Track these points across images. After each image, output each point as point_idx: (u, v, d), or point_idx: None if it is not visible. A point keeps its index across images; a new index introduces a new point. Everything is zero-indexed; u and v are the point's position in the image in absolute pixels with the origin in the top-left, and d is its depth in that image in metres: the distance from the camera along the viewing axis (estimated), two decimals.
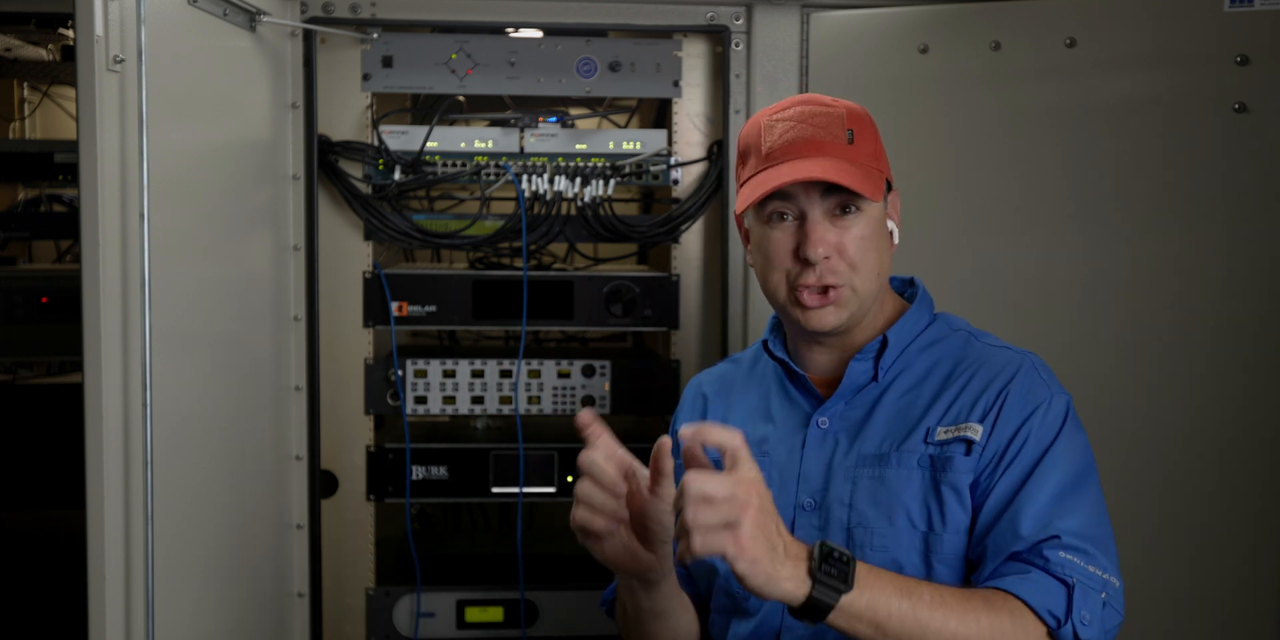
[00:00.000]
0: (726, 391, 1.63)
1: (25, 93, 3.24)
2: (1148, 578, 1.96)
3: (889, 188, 1.49)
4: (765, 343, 1.57)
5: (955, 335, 1.51)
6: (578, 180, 2.20)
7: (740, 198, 1.47)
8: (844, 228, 1.42)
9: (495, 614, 2.27)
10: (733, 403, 1.60)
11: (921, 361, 1.49)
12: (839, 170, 1.40)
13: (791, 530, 1.41)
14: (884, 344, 1.47)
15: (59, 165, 2.60)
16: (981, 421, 1.40)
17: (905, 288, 1.58)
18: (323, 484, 2.22)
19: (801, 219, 1.43)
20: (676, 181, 2.24)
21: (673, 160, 2.23)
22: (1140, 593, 1.97)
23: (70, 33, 2.76)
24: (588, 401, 2.27)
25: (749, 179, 1.47)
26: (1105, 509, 1.41)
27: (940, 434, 1.41)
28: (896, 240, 1.50)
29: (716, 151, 2.23)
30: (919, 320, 1.52)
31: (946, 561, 1.39)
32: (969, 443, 1.39)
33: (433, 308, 2.23)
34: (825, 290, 1.42)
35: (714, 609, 1.54)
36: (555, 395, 2.27)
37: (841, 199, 1.42)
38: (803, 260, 1.42)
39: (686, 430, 1.21)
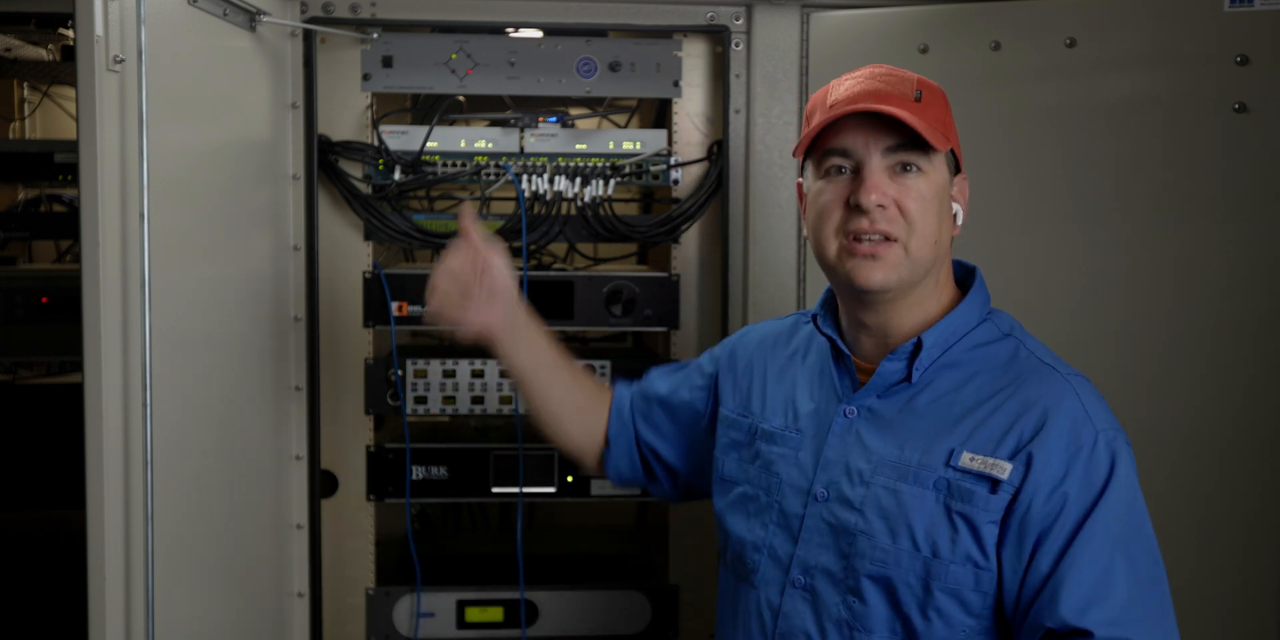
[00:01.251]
0: (767, 352, 1.61)
1: (25, 93, 3.25)
2: None
3: (957, 169, 1.43)
4: (815, 318, 1.51)
5: (1004, 342, 1.42)
6: (578, 180, 2.20)
7: (799, 146, 1.43)
8: (904, 184, 1.36)
9: (495, 614, 2.27)
10: (769, 364, 1.60)
11: (966, 364, 1.41)
12: (904, 115, 1.34)
13: (801, 519, 1.44)
14: (918, 346, 1.40)
15: (59, 165, 2.61)
16: (1011, 459, 1.32)
17: (966, 276, 1.49)
18: (323, 484, 2.22)
19: (858, 172, 1.37)
20: (676, 181, 2.24)
21: (673, 160, 2.23)
22: None
23: (70, 33, 2.76)
24: None
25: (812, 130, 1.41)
26: (1160, 574, 1.33)
27: (965, 460, 1.34)
28: (959, 223, 1.43)
29: (716, 151, 2.23)
30: (967, 318, 1.43)
31: (948, 590, 1.34)
32: (995, 481, 1.32)
33: None
34: (878, 242, 1.36)
35: (725, 566, 1.56)
36: None
37: (903, 158, 1.36)
38: (855, 207, 1.36)
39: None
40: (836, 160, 1.39)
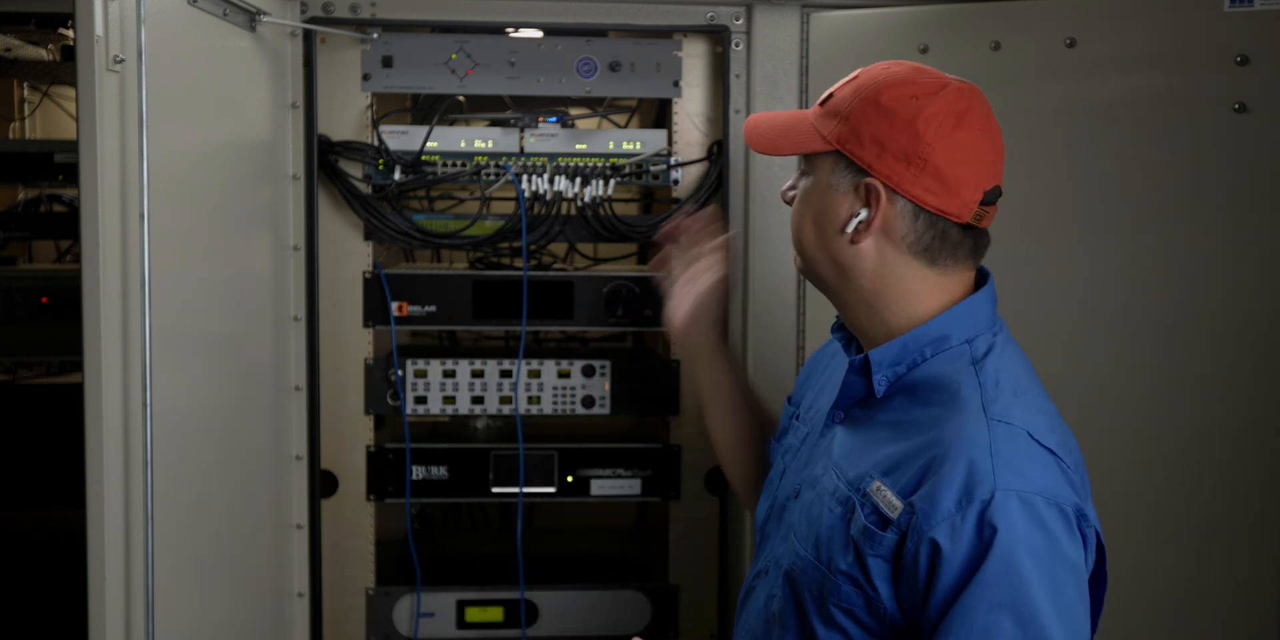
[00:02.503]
0: (829, 348, 1.63)
1: (25, 93, 3.25)
2: (1148, 579, 1.96)
3: (865, 173, 1.34)
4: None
5: (965, 372, 1.32)
6: (578, 180, 2.20)
7: None
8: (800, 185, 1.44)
9: (495, 614, 2.27)
10: (821, 360, 1.63)
11: (923, 389, 1.34)
12: (770, 120, 1.45)
13: (783, 510, 1.48)
14: (866, 363, 1.37)
15: (59, 165, 2.61)
16: (905, 498, 1.25)
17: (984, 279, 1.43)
18: (323, 484, 2.22)
19: None
20: (677, 182, 2.24)
21: (673, 160, 2.23)
22: (1140, 594, 1.97)
23: (70, 33, 2.76)
24: (588, 402, 2.27)
25: None
26: None
27: (872, 488, 1.29)
28: (851, 229, 1.34)
29: (716, 151, 2.23)
30: (943, 334, 1.35)
31: (841, 607, 1.30)
32: (884, 518, 1.26)
33: (433, 308, 2.24)
34: None
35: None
36: (555, 395, 2.27)
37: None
38: None
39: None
40: None
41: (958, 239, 1.36)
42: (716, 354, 1.72)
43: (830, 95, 1.40)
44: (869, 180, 1.33)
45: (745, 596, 1.51)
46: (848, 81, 1.39)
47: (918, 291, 1.37)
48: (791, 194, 1.45)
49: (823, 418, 1.47)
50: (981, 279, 1.42)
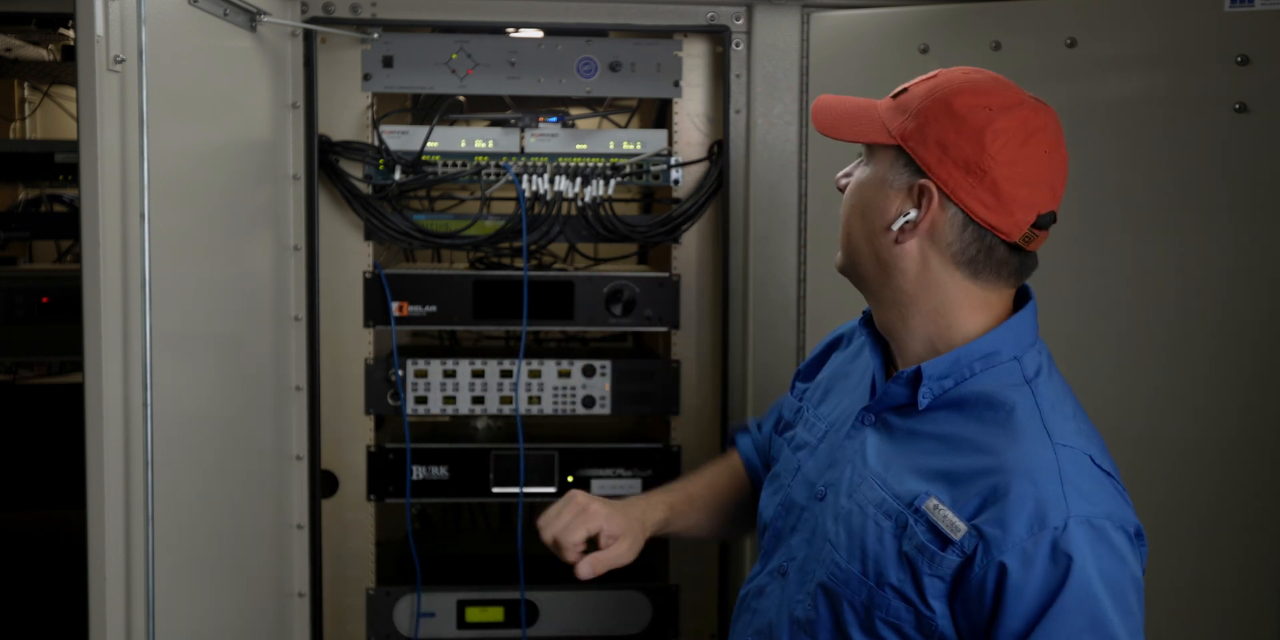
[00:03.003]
0: (846, 341, 1.62)
1: (26, 93, 3.24)
2: (1148, 581, 1.96)
3: (923, 174, 1.32)
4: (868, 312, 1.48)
5: (1017, 390, 1.32)
6: (578, 180, 2.20)
7: None
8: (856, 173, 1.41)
9: (495, 614, 2.27)
10: (839, 354, 1.61)
11: (972, 405, 1.32)
12: (841, 101, 1.42)
13: (801, 511, 1.45)
14: (917, 375, 1.34)
15: (59, 165, 2.60)
16: (970, 521, 1.25)
17: (1025, 302, 1.41)
18: (323, 484, 2.22)
19: None
20: (677, 182, 2.23)
21: (673, 160, 2.23)
22: (1146, 592, 1.97)
23: (70, 33, 2.76)
24: (588, 402, 2.27)
25: None
26: None
27: (929, 507, 1.28)
28: (897, 227, 1.33)
29: (717, 151, 2.23)
30: (991, 350, 1.34)
31: (889, 623, 1.30)
32: (947, 540, 1.26)
33: (433, 308, 2.24)
34: None
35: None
36: (555, 395, 2.27)
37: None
38: None
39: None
40: None
41: (1003, 257, 1.34)
42: (658, 519, 1.64)
43: (904, 89, 1.37)
44: (924, 181, 1.32)
45: (753, 595, 1.49)
46: (925, 79, 1.37)
47: (957, 302, 1.35)
48: (845, 181, 1.42)
49: (848, 418, 1.45)
50: (1023, 296, 1.42)
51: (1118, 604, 1.20)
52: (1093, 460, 1.27)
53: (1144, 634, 1.25)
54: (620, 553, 1.56)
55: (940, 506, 1.27)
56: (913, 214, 1.32)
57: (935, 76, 1.36)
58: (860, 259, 1.38)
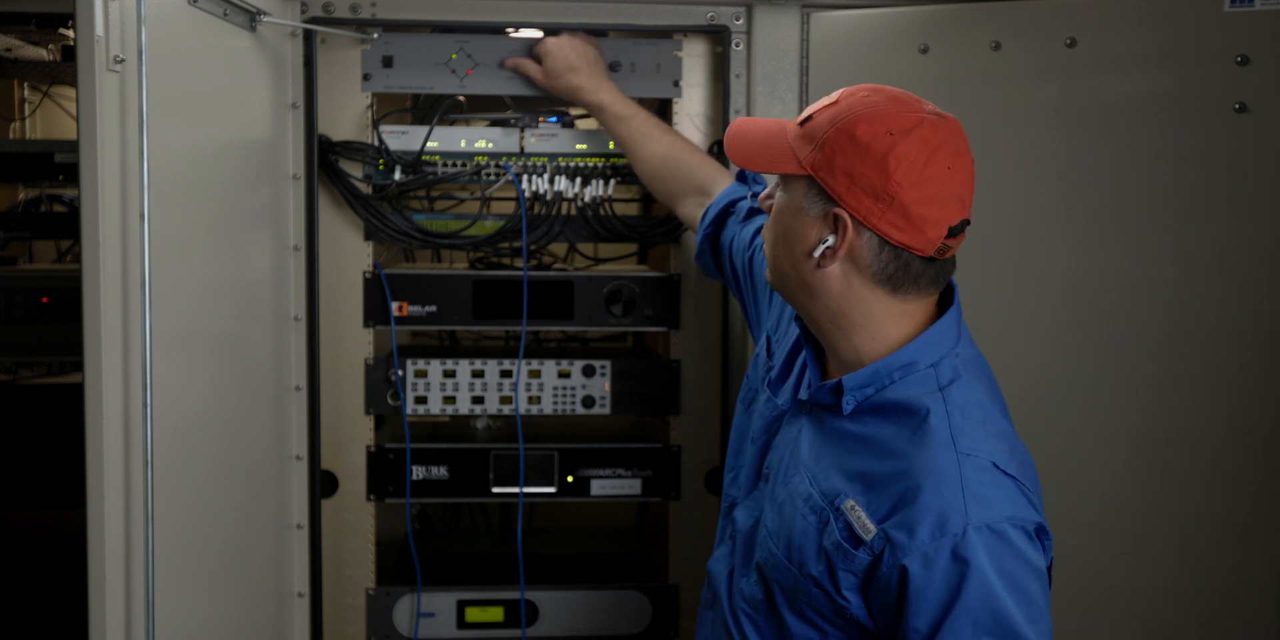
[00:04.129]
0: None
1: (25, 93, 3.24)
2: (1137, 583, 1.96)
3: (835, 203, 1.38)
4: None
5: (931, 397, 1.38)
6: (578, 180, 2.20)
7: None
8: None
9: (495, 614, 2.27)
10: (785, 318, 1.67)
11: (890, 412, 1.39)
12: (751, 128, 1.48)
13: (753, 481, 1.57)
14: (838, 387, 1.42)
15: (59, 165, 2.60)
16: (880, 524, 1.33)
17: (948, 300, 1.48)
18: (323, 484, 2.22)
19: None
20: None
21: None
22: (1130, 598, 1.97)
23: (70, 33, 2.76)
24: (588, 402, 2.27)
25: None
26: None
27: (846, 506, 1.36)
28: (818, 254, 1.39)
29: (717, 151, 2.23)
30: (911, 359, 1.41)
31: (813, 607, 1.39)
32: (858, 539, 1.34)
33: (433, 308, 2.24)
34: None
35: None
36: (555, 395, 2.27)
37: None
38: None
39: None
40: None
41: (920, 270, 1.40)
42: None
43: (809, 117, 1.42)
44: (838, 210, 1.38)
45: (714, 554, 1.62)
46: (828, 105, 1.41)
47: (881, 316, 1.42)
48: (769, 203, 1.50)
49: (787, 399, 1.55)
50: (946, 294, 1.47)
51: (1018, 596, 1.28)
52: (995, 465, 1.33)
53: (1048, 613, 1.32)
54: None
55: (856, 507, 1.35)
56: (830, 240, 1.39)
57: (837, 102, 1.41)
58: (788, 281, 1.46)
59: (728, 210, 1.94)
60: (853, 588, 1.35)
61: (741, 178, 2.00)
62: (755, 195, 1.89)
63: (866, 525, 1.33)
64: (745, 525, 1.55)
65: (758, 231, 1.86)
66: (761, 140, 1.46)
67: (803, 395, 1.50)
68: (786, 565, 1.41)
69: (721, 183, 2.00)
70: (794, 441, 1.49)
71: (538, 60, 2.12)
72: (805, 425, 1.48)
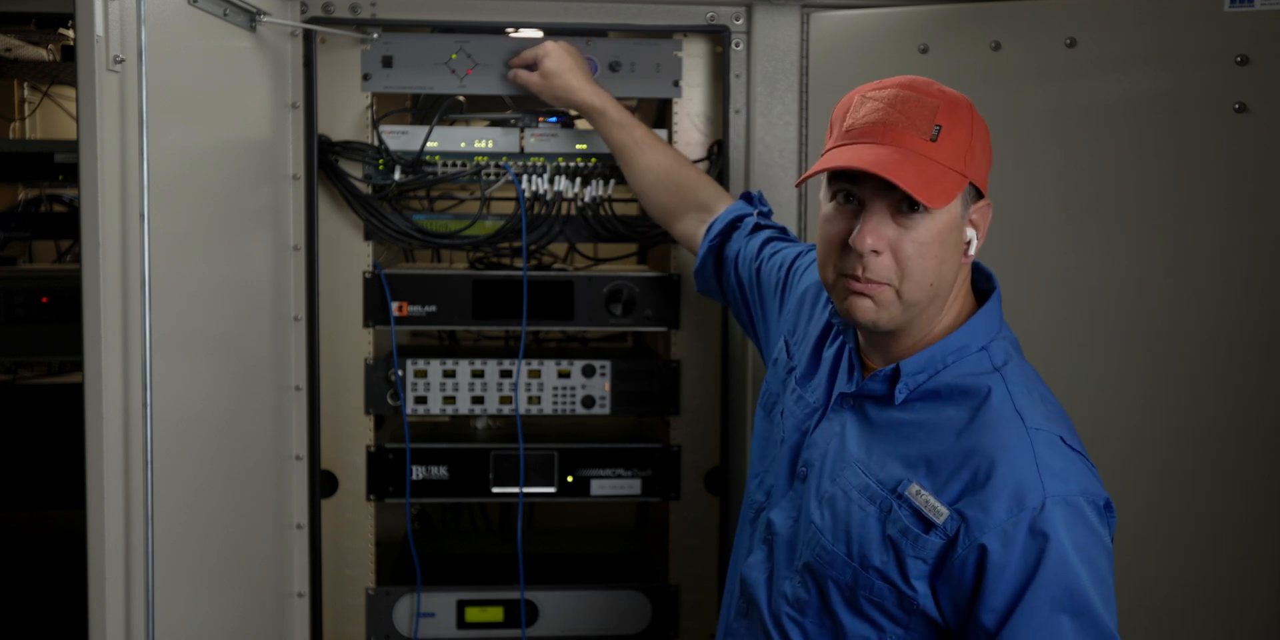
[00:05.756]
0: (809, 304, 1.66)
1: (25, 93, 3.24)
2: (1140, 580, 1.96)
3: (979, 195, 1.40)
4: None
5: (989, 377, 1.38)
6: (578, 180, 2.20)
7: (802, 178, 1.44)
8: (905, 227, 1.34)
9: (495, 614, 2.27)
10: (804, 315, 1.65)
11: (946, 395, 1.39)
12: (901, 167, 1.30)
13: (789, 482, 1.52)
14: (896, 372, 1.41)
15: (59, 165, 2.60)
16: (951, 506, 1.32)
17: (988, 286, 1.48)
18: (323, 484, 2.22)
19: (865, 205, 1.35)
20: None
21: None
22: (1132, 595, 1.97)
23: (70, 33, 2.76)
24: (588, 402, 2.27)
25: (825, 153, 1.40)
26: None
27: (911, 492, 1.35)
28: (973, 251, 1.42)
29: (717, 151, 2.23)
30: (963, 343, 1.41)
31: (873, 601, 1.37)
32: (929, 523, 1.33)
33: (433, 308, 2.24)
34: (870, 282, 1.36)
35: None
36: (555, 395, 2.27)
37: (909, 195, 1.32)
38: (853, 249, 1.35)
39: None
40: (843, 186, 1.38)
41: None
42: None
43: (939, 126, 1.35)
44: (984, 202, 1.42)
45: (746, 556, 1.57)
46: (929, 94, 1.36)
47: (957, 290, 1.44)
48: (881, 243, 1.35)
49: (820, 395, 1.52)
50: (985, 283, 1.48)
51: (1092, 574, 1.28)
52: (1063, 440, 1.33)
53: (1115, 598, 1.32)
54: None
55: (922, 492, 1.33)
56: (974, 235, 1.42)
57: (930, 88, 1.38)
58: (926, 303, 1.40)
59: (734, 224, 1.94)
60: (921, 576, 1.33)
61: (747, 198, 1.99)
62: (762, 214, 1.92)
63: (937, 508, 1.31)
64: (784, 527, 1.50)
65: (765, 243, 1.86)
66: (918, 166, 1.33)
67: (847, 388, 1.47)
68: (845, 560, 1.38)
69: (723, 202, 2.00)
70: (837, 437, 1.46)
71: (532, 69, 2.11)
72: (849, 420, 1.46)
